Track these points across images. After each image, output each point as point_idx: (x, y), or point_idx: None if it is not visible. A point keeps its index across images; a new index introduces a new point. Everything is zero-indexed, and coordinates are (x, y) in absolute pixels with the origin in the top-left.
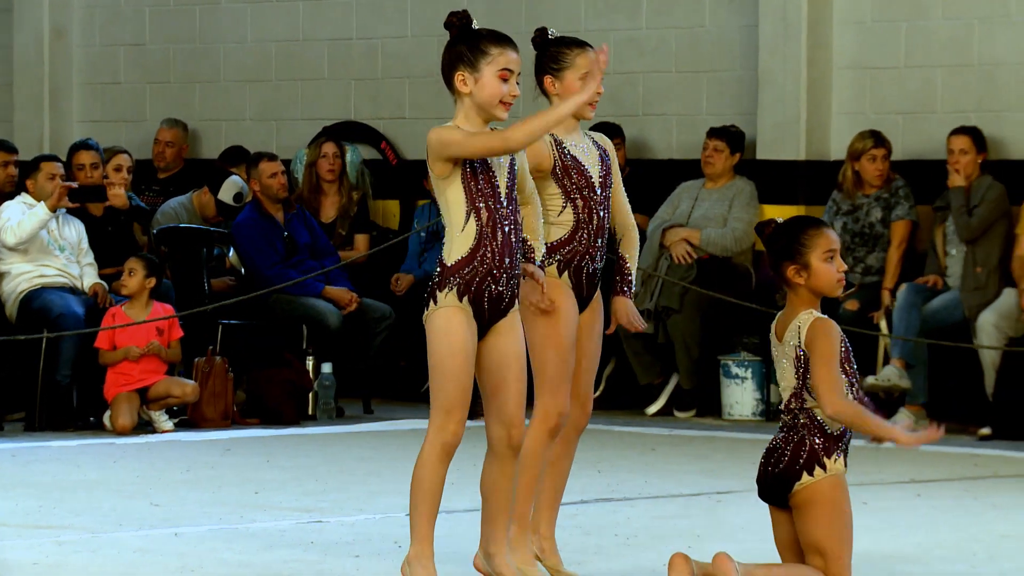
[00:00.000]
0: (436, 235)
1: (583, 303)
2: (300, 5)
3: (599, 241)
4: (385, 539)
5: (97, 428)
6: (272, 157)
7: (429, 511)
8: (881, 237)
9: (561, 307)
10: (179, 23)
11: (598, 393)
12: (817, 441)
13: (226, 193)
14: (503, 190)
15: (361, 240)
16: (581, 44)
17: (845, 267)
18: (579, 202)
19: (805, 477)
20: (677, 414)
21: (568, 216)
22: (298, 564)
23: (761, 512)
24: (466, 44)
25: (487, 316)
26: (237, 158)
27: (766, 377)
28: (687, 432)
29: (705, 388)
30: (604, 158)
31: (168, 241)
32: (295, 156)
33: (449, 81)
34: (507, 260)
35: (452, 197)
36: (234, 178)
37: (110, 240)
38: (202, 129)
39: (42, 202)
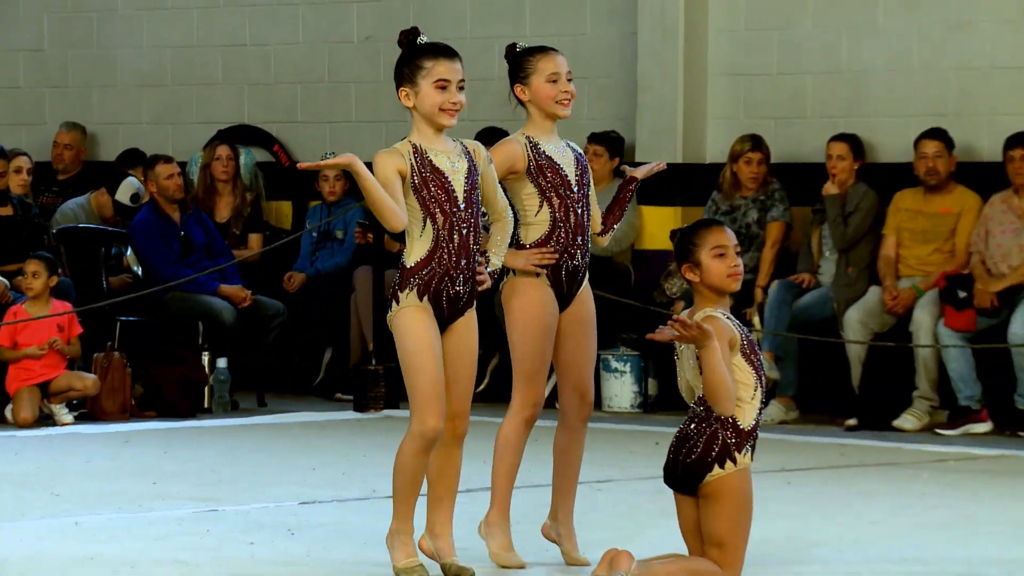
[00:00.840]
0: (327, 235)
1: (566, 300)
2: (195, 12)
3: (578, 239)
4: (278, 527)
5: None
6: (168, 159)
7: (410, 497)
8: (757, 237)
9: (538, 303)
10: (77, 29)
11: (483, 386)
12: (729, 435)
13: (123, 194)
14: (460, 194)
15: (255, 239)
16: (544, 49)
17: (737, 262)
18: (555, 200)
19: (716, 470)
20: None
21: (544, 215)
22: (195, 551)
23: (638, 500)
24: (405, 63)
25: (446, 314)
26: (134, 160)
27: (644, 371)
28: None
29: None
30: (580, 159)
31: (67, 240)
32: (191, 159)
33: (399, 99)
34: (463, 261)
35: (410, 203)
36: (131, 179)
37: (17, 240)
38: (100, 132)
39: None
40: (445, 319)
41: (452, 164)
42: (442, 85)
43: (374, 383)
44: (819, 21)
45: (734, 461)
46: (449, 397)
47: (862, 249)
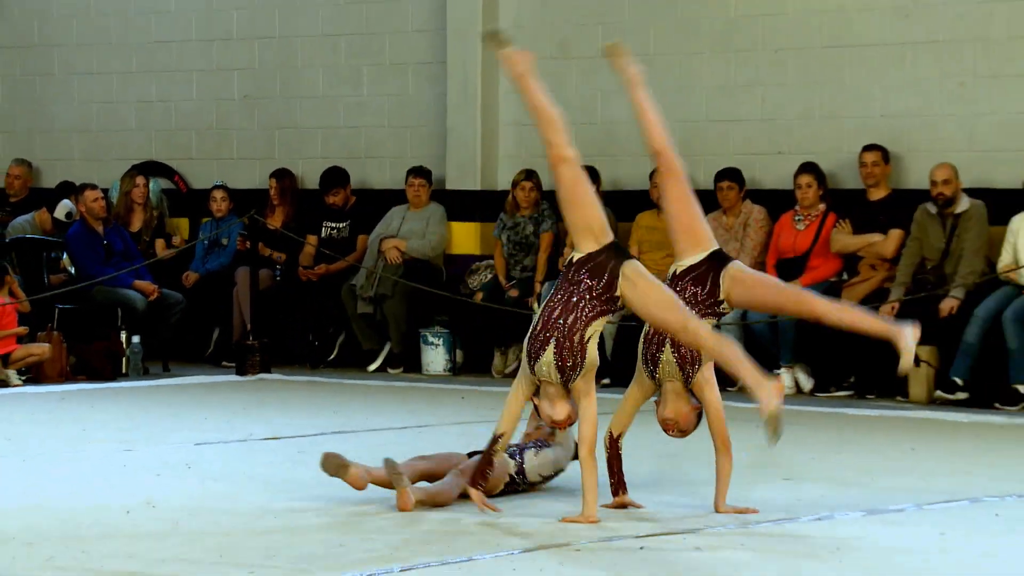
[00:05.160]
0: (216, 243)
1: None
2: (114, 76)
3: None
4: (178, 463)
5: None
6: (94, 187)
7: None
8: (533, 245)
9: None
10: (23, 89)
11: (332, 356)
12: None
13: (60, 212)
14: None
15: (160, 244)
16: None
17: None
18: None
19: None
20: (390, 371)
21: None
22: (114, 480)
23: (447, 439)
24: None
25: None
26: (68, 188)
27: (453, 344)
28: (397, 383)
29: (410, 352)
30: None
31: (18, 248)
32: (112, 186)
33: None
34: None
35: None
36: (65, 202)
37: None
38: (42, 167)
39: None
40: None
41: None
42: None
43: (251, 354)
44: (580, 84)
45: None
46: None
47: None
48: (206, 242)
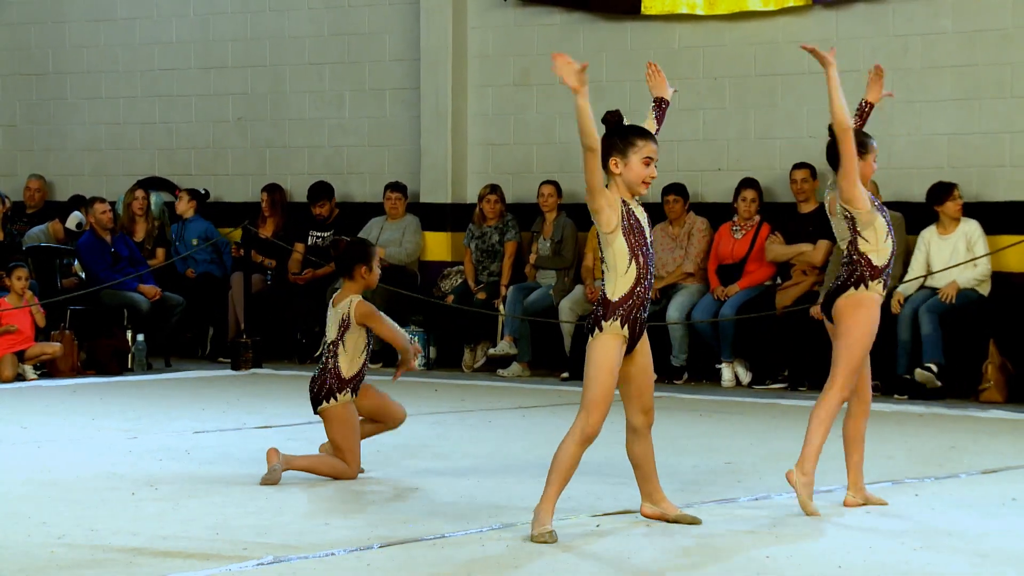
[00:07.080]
0: (185, 245)
1: (632, 344)
2: (121, 100)
3: (648, 293)
4: (179, 449)
5: None
6: (102, 200)
7: (562, 483)
8: (499, 252)
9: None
10: (40, 112)
11: (318, 352)
12: (335, 382)
13: (71, 223)
14: (649, 241)
15: (160, 252)
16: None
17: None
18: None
19: (329, 402)
20: (370, 365)
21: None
22: (120, 465)
23: (420, 427)
24: (620, 138)
25: (636, 337)
26: (79, 201)
27: (428, 341)
28: (376, 377)
29: (388, 348)
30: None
31: (34, 254)
32: (118, 199)
33: (605, 164)
34: (648, 294)
35: (619, 246)
36: (76, 213)
37: (3, 256)
38: (56, 181)
39: None
40: (632, 341)
41: (644, 219)
42: (647, 162)
43: (245, 350)
44: (540, 109)
45: (336, 399)
46: (643, 397)
47: (570, 264)
48: (178, 243)
